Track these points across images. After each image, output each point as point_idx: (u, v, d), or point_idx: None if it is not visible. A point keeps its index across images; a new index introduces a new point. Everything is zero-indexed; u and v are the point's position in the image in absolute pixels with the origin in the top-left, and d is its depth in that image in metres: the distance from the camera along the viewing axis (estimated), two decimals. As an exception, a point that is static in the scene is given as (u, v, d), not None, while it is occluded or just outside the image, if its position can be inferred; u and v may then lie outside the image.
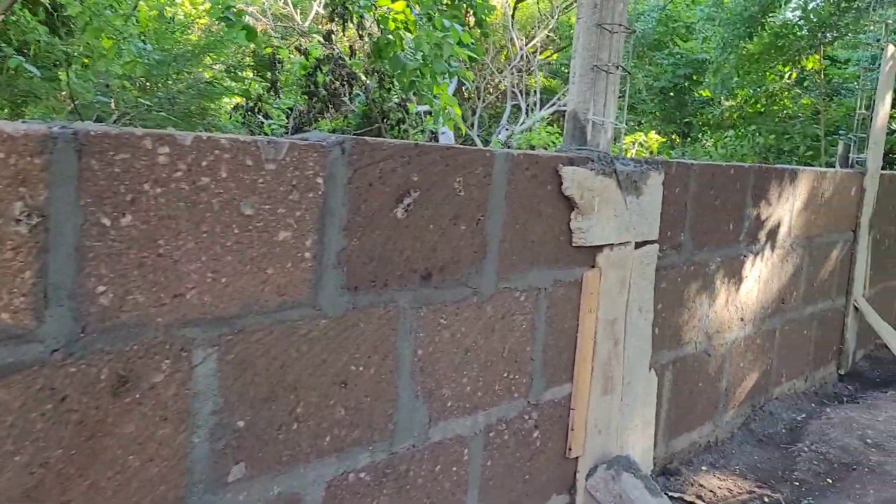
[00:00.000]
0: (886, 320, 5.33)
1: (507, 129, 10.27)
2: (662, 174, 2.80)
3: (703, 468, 3.35)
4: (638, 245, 2.74)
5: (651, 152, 7.40)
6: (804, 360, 4.34)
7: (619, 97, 2.75)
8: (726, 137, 9.37)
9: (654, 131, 7.50)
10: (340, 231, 1.73)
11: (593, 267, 2.57)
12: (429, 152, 1.91)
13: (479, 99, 13.13)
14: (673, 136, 11.82)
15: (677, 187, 2.98)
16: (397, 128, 6.07)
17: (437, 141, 8.29)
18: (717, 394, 3.53)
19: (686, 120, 10.16)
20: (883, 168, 4.95)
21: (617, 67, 2.61)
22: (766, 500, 3.14)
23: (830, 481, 3.32)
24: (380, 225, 1.82)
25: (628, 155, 7.41)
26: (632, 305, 2.75)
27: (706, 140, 10.50)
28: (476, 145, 11.27)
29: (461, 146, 2.02)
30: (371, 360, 1.86)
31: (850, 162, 4.80)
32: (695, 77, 12.44)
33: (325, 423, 1.77)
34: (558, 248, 2.41)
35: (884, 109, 4.82)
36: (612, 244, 2.61)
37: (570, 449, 2.58)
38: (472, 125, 12.77)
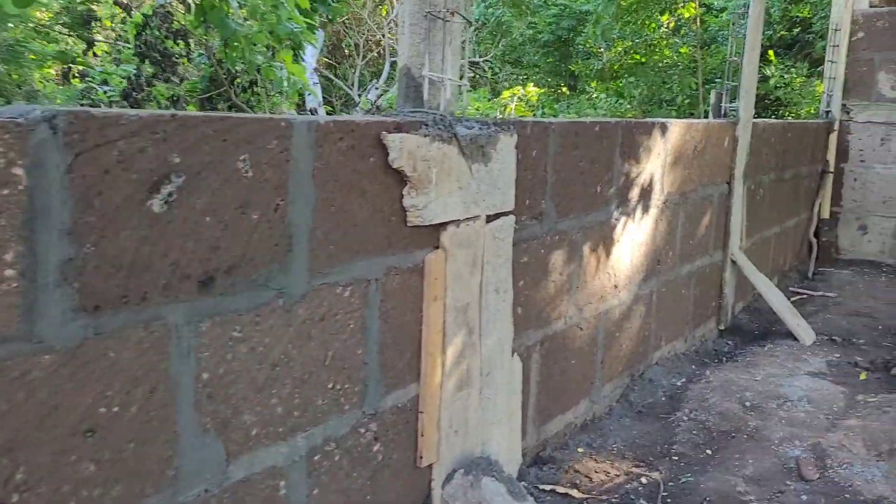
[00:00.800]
0: (763, 270, 5.28)
1: (377, 89, 9.79)
2: (515, 136, 2.47)
3: (580, 450, 3.12)
4: (490, 218, 2.41)
5: (532, 107, 7.17)
6: (684, 320, 4.19)
7: (463, 50, 2.39)
8: (609, 89, 9.24)
9: (532, 84, 7.22)
10: (63, 237, 1.31)
11: (437, 248, 2.23)
12: (195, 125, 1.49)
13: (359, 56, 12.56)
14: (562, 89, 11.66)
15: (534, 150, 2.66)
16: (249, 90, 5.55)
17: (304, 105, 7.79)
18: (593, 368, 3.30)
19: (571, 72, 9.98)
20: (756, 116, 4.82)
21: (453, 14, 2.23)
22: (644, 480, 2.93)
23: (710, 452, 3.15)
24: (128, 223, 1.41)
25: (507, 112, 7.14)
26: (487, 287, 2.43)
27: (593, 92, 10.39)
28: (356, 105, 10.76)
29: (242, 116, 1.60)
30: (132, 395, 1.45)
31: (722, 111, 4.63)
32: (578, 28, 12.28)
33: (65, 485, 1.36)
34: (390, 231, 2.05)
35: (753, 57, 4.67)
36: (459, 220, 2.27)
37: (420, 457, 2.26)
38: (353, 84, 12.22)
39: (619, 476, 2.97)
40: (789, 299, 5.48)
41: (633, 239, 3.47)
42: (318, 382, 1.87)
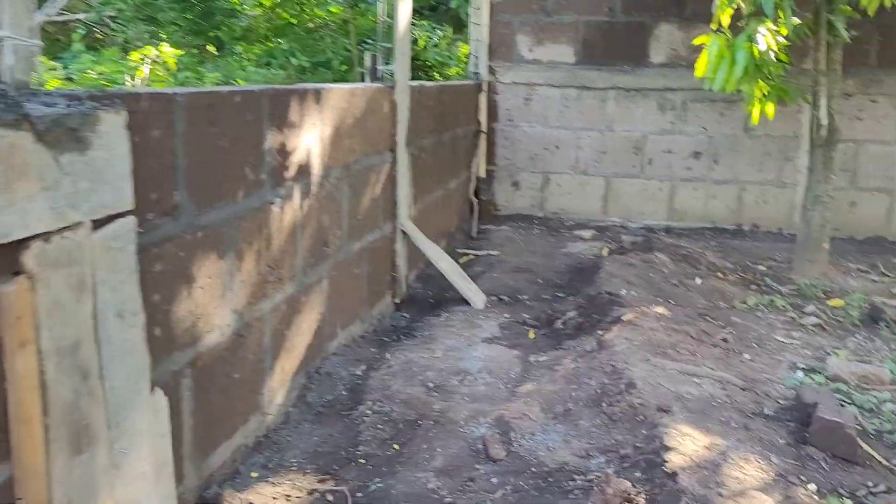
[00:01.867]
0: (432, 235, 5.25)
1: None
2: (124, 113, 1.90)
3: (254, 475, 2.69)
4: (100, 223, 1.83)
5: (169, 70, 6.40)
6: (359, 301, 3.93)
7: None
8: (259, 52, 8.67)
9: (166, 44, 6.41)
10: None
11: (18, 275, 1.61)
12: None
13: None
14: (210, 50, 10.75)
15: (157, 129, 2.11)
16: None
17: None
18: (262, 377, 2.87)
19: (213, 32, 9.19)
20: (415, 79, 4.68)
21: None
22: (331, 497, 2.60)
23: (397, 447, 2.92)
24: None
25: (139, 77, 6.25)
26: (105, 313, 1.86)
27: (243, 55, 9.70)
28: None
29: None
30: None
31: (379, 75, 4.41)
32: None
33: None
34: (-72, 263, 1.40)
35: (405, 16, 4.49)
36: (49, 233, 1.66)
37: (25, 561, 1.65)
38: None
39: (301, 495, 2.60)
40: (458, 261, 5.55)
41: (295, 223, 3.07)
42: None
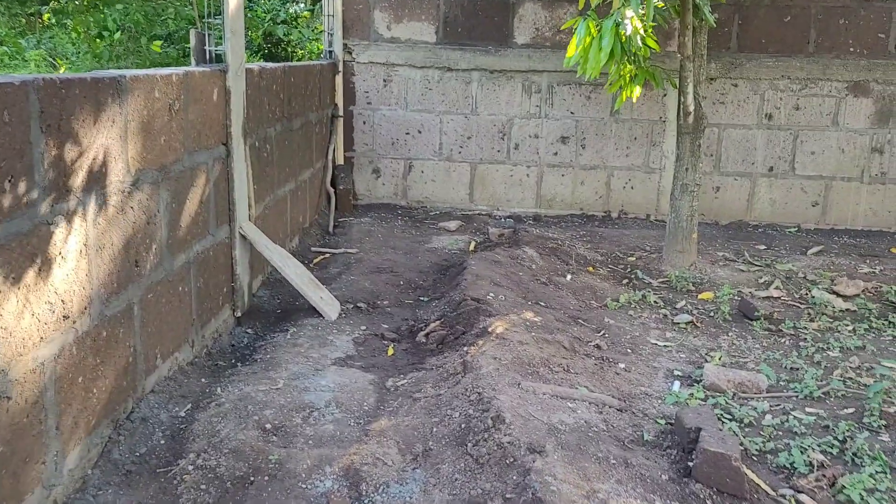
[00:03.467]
0: (282, 234, 4.71)
1: None
2: None
3: (33, 573, 2.11)
4: None
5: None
6: (186, 322, 3.35)
7: None
8: (89, 22, 7.67)
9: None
10: None
11: None
12: None
13: None
14: (40, 18, 9.55)
15: None
16: None
17: None
18: (43, 442, 2.27)
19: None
20: (273, 59, 4.09)
21: None
22: None
23: (224, 514, 2.41)
24: None
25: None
26: None
27: (75, 25, 8.62)
28: None
29: None
30: None
31: (208, 56, 3.79)
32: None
33: None
34: None
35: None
36: None
37: None
38: None
39: None
40: (311, 263, 5.03)
41: (88, 244, 2.47)
42: None
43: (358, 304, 4.27)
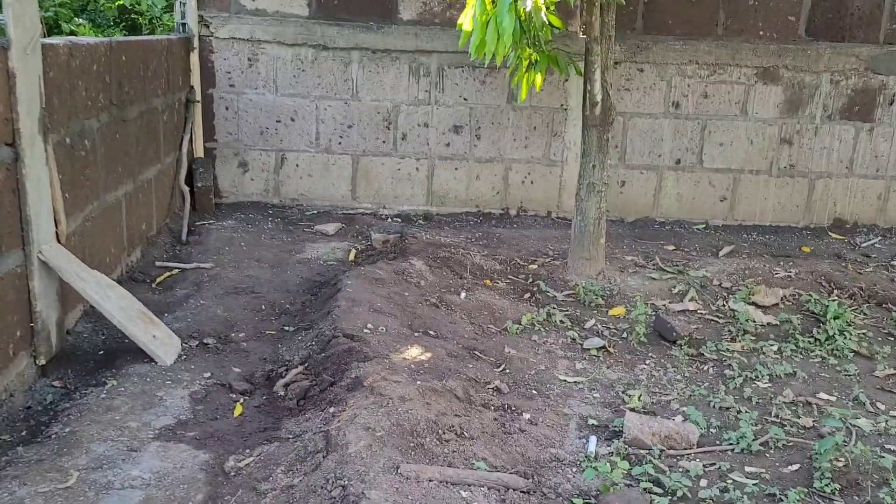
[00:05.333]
0: (115, 249, 3.82)
1: None
2: None
3: None
4: None
5: None
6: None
7: None
8: None
9: None
10: None
11: None
12: None
13: None
14: None
15: None
16: None
17: None
18: None
19: None
20: (124, 31, 3.17)
21: None
22: None
23: None
24: None
25: None
26: None
27: None
28: None
29: None
30: None
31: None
32: None
33: None
34: None
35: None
36: None
37: None
38: None
39: None
40: (153, 283, 4.14)
41: None
42: None
43: (205, 341, 3.45)
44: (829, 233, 6.04)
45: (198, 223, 5.17)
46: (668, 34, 5.73)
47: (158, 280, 4.16)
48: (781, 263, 5.08)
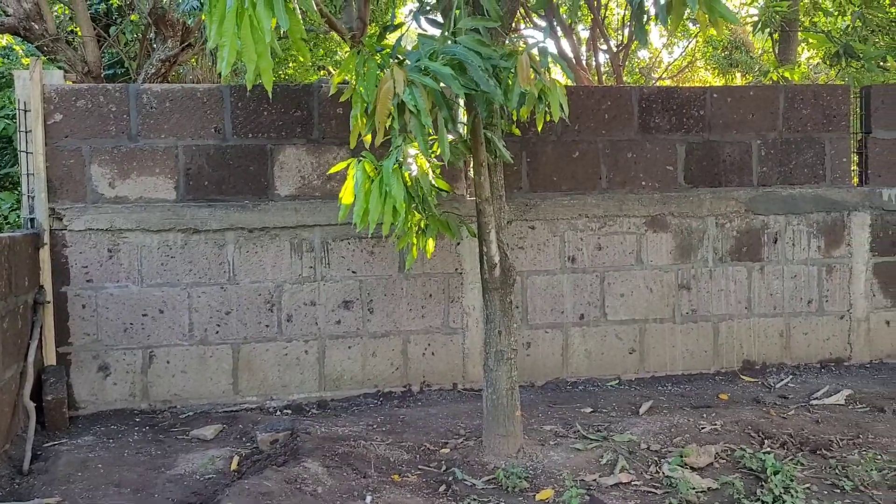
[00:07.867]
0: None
1: None
2: None
3: None
4: None
5: None
6: None
7: None
8: None
9: None
10: None
11: None
12: None
13: None
14: None
15: None
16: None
17: None
18: None
19: None
20: None
21: None
22: None
23: None
24: None
25: None
26: None
27: None
28: None
29: None
30: None
31: None
32: None
33: None
34: None
35: None
36: None
37: None
38: None
39: None
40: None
41: None
42: None
43: None
44: (741, 376, 5.85)
45: (46, 444, 4.37)
46: (554, 190, 5.65)
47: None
48: (704, 416, 4.78)
